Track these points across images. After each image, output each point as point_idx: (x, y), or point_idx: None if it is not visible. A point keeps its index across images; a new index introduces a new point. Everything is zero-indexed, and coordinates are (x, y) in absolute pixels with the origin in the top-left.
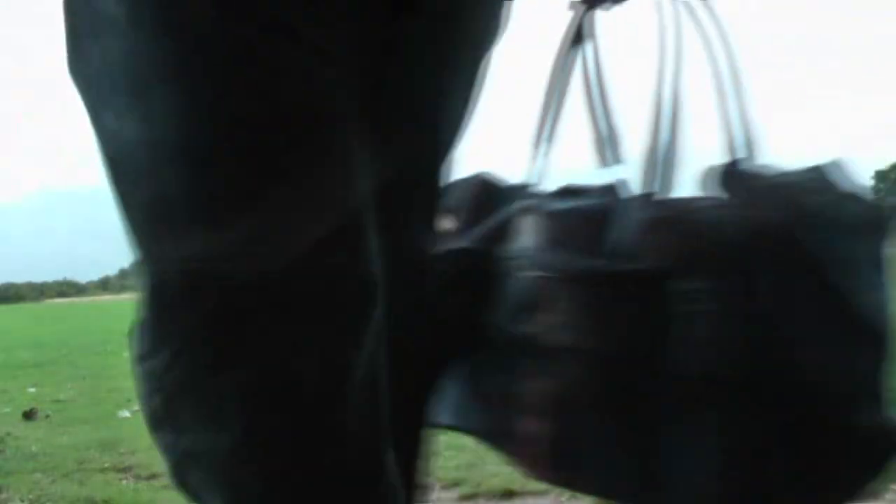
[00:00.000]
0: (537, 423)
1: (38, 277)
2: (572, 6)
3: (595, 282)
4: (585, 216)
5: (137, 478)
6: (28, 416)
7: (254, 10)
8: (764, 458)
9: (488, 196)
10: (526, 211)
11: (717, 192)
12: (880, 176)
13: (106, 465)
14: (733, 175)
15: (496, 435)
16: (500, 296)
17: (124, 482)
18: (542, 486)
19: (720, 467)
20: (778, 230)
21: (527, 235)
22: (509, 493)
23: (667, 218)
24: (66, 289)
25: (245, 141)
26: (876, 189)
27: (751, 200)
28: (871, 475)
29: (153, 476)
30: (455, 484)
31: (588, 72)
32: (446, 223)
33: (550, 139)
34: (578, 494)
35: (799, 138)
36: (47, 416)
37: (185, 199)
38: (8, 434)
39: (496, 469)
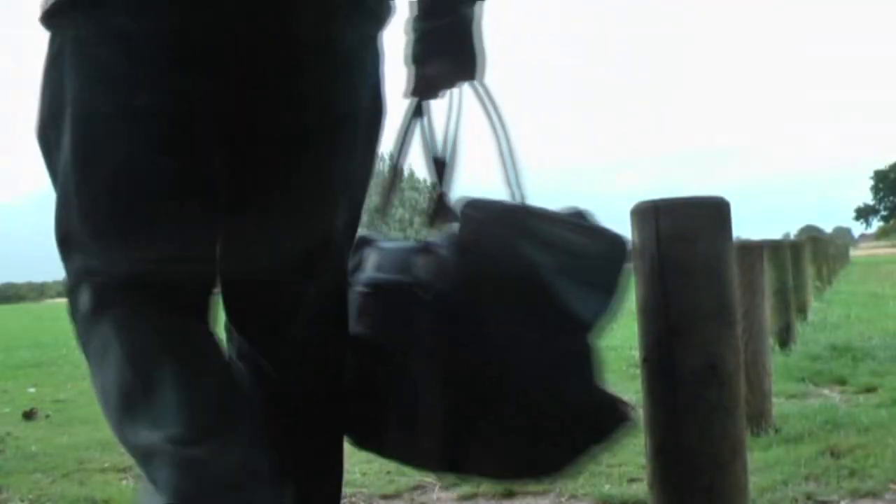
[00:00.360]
0: (359, 405)
1: (38, 277)
2: (407, 95)
3: (381, 291)
4: (399, 249)
5: (137, 478)
6: (28, 416)
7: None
8: (476, 425)
9: (359, 244)
10: (369, 249)
11: (463, 226)
12: (880, 176)
13: (106, 465)
14: (475, 210)
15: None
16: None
17: (124, 482)
18: (542, 485)
19: (441, 434)
20: (503, 256)
21: (366, 265)
22: (509, 493)
23: (425, 248)
24: None
25: (101, 198)
26: (876, 189)
27: (484, 232)
28: (591, 440)
29: None
30: (455, 484)
31: (425, 135)
32: None
33: (396, 183)
34: (578, 494)
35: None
36: (47, 416)
37: (75, 232)
38: (8, 434)
39: None
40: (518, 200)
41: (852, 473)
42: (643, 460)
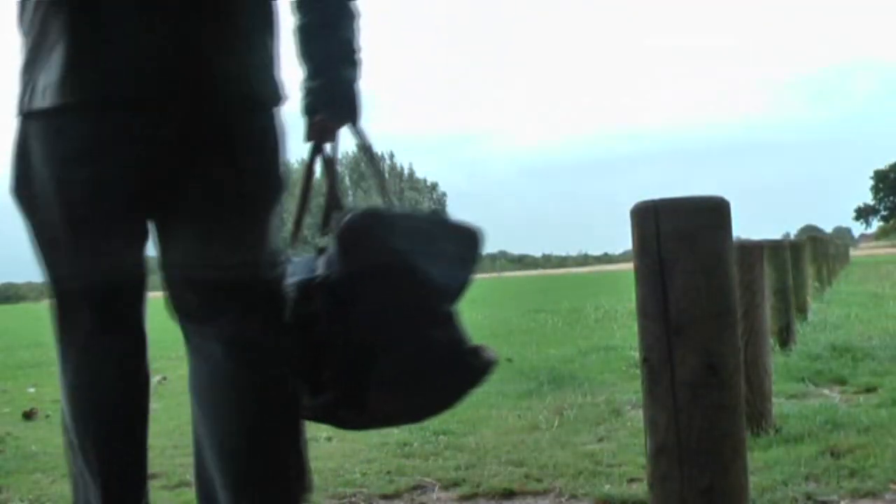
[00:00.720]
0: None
1: (38, 277)
2: (305, 141)
3: (294, 287)
4: (305, 259)
5: None
6: (28, 416)
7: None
8: (370, 378)
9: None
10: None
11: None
12: (880, 176)
13: None
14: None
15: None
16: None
17: None
18: (542, 485)
19: (342, 385)
20: (368, 232)
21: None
22: (509, 493)
23: (322, 250)
24: None
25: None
26: (876, 189)
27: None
28: (466, 384)
29: (153, 476)
30: (455, 484)
31: (327, 169)
32: None
33: (304, 212)
34: (578, 494)
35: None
36: (47, 416)
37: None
38: (8, 434)
39: (496, 469)
40: (386, 206)
41: (852, 473)
42: (643, 460)
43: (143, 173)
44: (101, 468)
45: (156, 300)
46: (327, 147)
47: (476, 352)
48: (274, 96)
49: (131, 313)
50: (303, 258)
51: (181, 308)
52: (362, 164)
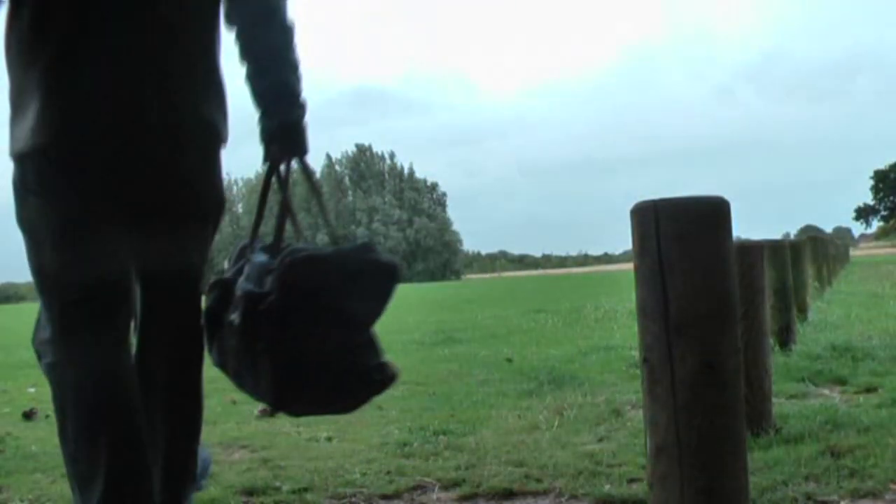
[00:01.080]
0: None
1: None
2: (263, 163)
3: (245, 296)
4: (260, 265)
5: None
6: (28, 416)
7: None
8: (297, 379)
9: (241, 254)
10: (246, 261)
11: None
12: (880, 176)
13: None
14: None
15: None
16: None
17: None
18: (542, 485)
19: (273, 382)
20: (303, 274)
21: (243, 273)
22: (509, 493)
23: (272, 269)
24: None
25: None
26: (876, 189)
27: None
28: (372, 392)
29: None
30: (455, 484)
31: (282, 185)
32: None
33: (259, 224)
34: (578, 494)
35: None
36: (47, 416)
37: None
38: (8, 434)
39: (496, 469)
40: (331, 236)
41: (852, 473)
42: (643, 460)
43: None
44: (100, 458)
45: None
46: (282, 167)
47: (381, 368)
48: (217, 137)
49: (115, 315)
50: (260, 260)
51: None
52: (361, 165)
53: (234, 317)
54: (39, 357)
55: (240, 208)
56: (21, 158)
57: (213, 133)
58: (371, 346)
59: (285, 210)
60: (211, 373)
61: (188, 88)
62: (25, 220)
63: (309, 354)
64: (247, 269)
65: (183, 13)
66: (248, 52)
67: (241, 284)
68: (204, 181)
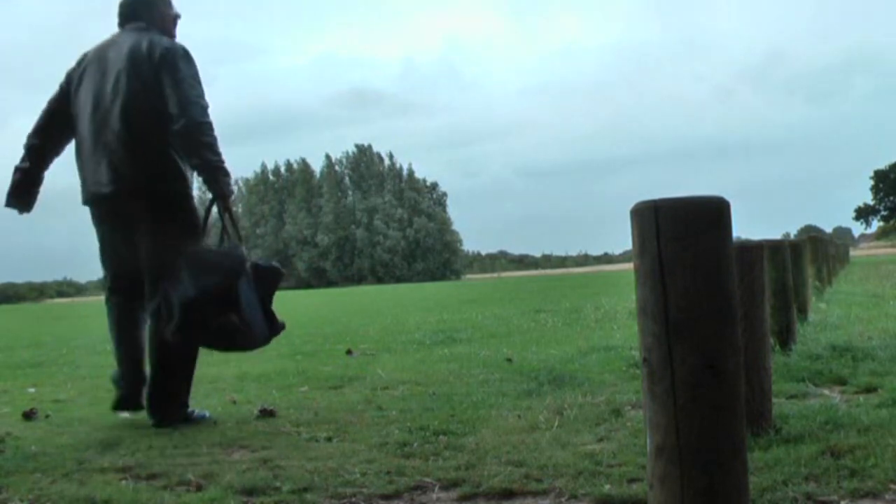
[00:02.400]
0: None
1: (38, 277)
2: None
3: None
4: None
5: (137, 478)
6: (28, 416)
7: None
8: (228, 332)
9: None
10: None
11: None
12: (880, 176)
13: (106, 465)
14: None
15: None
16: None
17: (124, 482)
18: (542, 485)
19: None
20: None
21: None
22: (509, 493)
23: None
24: (66, 289)
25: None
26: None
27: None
28: (270, 336)
29: (153, 476)
30: (455, 484)
31: (221, 211)
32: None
33: (205, 231)
34: (578, 494)
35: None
36: (47, 416)
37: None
38: (8, 434)
39: (496, 469)
40: (238, 238)
41: (852, 473)
42: (643, 460)
43: (119, 234)
44: (119, 357)
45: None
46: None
47: (276, 321)
48: (162, 194)
49: (132, 286)
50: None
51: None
52: (361, 165)
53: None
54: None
55: (239, 208)
56: (88, 203)
57: (151, 189)
58: (270, 311)
59: (225, 228)
60: (211, 373)
61: (128, 162)
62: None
63: (239, 315)
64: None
65: (124, 111)
66: (185, 155)
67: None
68: (149, 215)
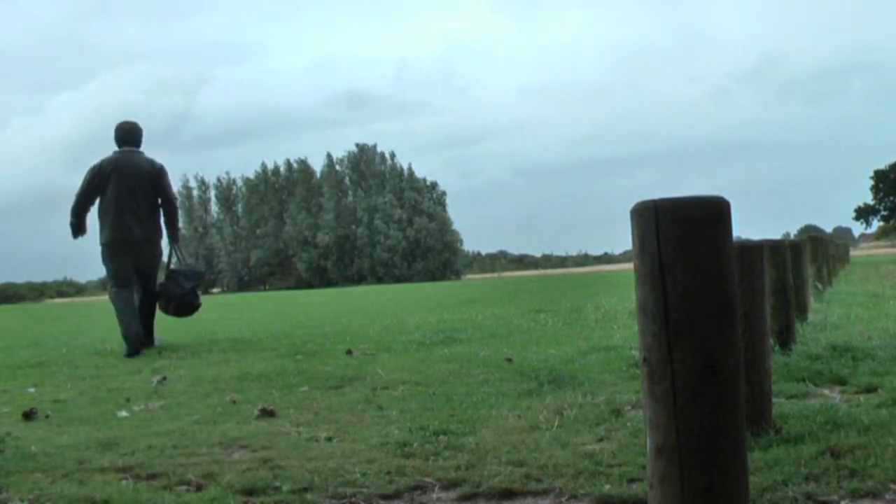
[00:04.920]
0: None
1: (38, 277)
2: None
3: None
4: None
5: (137, 478)
6: (28, 416)
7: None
8: (176, 300)
9: (169, 270)
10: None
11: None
12: (880, 176)
13: (106, 465)
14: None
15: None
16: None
17: (124, 482)
18: (542, 485)
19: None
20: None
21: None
22: (509, 493)
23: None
24: (66, 289)
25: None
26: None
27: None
28: (195, 309)
29: (153, 476)
30: (455, 484)
31: (172, 250)
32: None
33: (170, 261)
34: (578, 494)
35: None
36: (47, 416)
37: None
38: (8, 434)
39: (496, 469)
40: (185, 266)
41: (852, 473)
42: (643, 460)
43: (126, 257)
44: (124, 332)
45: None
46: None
47: (196, 302)
48: (158, 240)
49: (129, 283)
50: (175, 271)
51: (135, 285)
52: (361, 165)
53: (172, 288)
54: (110, 297)
55: (239, 208)
56: (104, 244)
57: (152, 238)
58: (196, 293)
59: (171, 259)
60: (211, 373)
61: (142, 224)
62: (105, 259)
63: (184, 297)
64: (171, 274)
65: (140, 198)
66: (165, 222)
67: (166, 281)
68: (150, 250)
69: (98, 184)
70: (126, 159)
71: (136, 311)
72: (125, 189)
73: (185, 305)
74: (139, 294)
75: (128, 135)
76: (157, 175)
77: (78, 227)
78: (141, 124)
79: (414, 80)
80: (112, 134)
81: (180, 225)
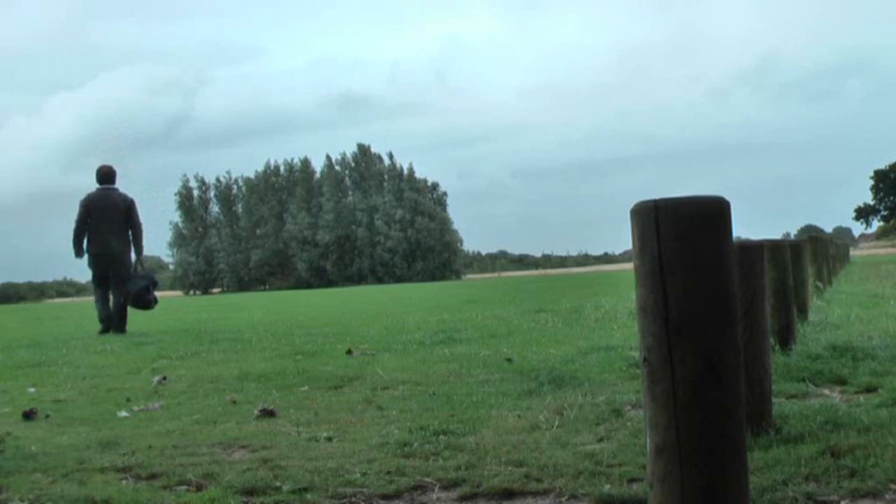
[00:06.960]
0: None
1: (38, 277)
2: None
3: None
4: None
5: (137, 478)
6: (28, 416)
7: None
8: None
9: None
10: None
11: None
12: (880, 176)
13: (106, 465)
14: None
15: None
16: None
17: (124, 482)
18: (542, 485)
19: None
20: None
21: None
22: (509, 493)
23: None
24: (66, 289)
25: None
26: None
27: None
28: (153, 304)
29: (153, 476)
30: (455, 484)
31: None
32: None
33: (137, 267)
34: (578, 494)
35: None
36: (47, 416)
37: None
38: (8, 434)
39: (496, 469)
40: (143, 272)
41: (852, 473)
42: (643, 460)
43: (105, 265)
44: (99, 316)
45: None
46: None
47: (149, 295)
48: (128, 253)
49: (106, 283)
50: (141, 274)
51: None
52: (362, 165)
53: (131, 286)
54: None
55: (239, 208)
56: (90, 255)
57: (125, 251)
58: (152, 290)
59: (136, 266)
60: (211, 373)
61: (117, 242)
62: (90, 265)
63: (142, 293)
64: (133, 277)
65: (116, 223)
66: (132, 241)
67: (128, 281)
68: (122, 260)
69: (86, 216)
70: (105, 196)
71: (107, 301)
72: (105, 218)
73: (138, 298)
74: (114, 292)
75: (105, 176)
76: (128, 207)
77: (78, 251)
78: (115, 167)
79: (412, 80)
80: (111, 134)
81: (180, 225)
